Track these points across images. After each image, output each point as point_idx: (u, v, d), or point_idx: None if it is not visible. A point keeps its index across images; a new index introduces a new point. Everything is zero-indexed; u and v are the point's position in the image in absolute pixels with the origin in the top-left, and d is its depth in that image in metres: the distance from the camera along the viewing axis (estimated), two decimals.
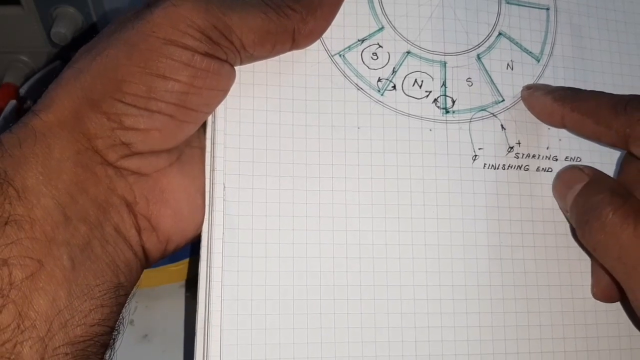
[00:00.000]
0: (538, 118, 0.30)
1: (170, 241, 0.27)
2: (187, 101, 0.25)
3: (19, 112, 0.36)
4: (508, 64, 0.31)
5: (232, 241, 0.27)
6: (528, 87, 0.31)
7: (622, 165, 0.30)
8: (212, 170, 0.28)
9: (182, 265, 0.36)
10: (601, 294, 0.29)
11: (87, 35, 0.38)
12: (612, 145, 0.29)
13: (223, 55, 0.26)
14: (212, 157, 0.28)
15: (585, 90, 0.30)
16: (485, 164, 0.30)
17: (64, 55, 0.40)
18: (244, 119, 0.28)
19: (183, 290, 0.37)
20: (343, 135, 0.29)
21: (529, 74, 0.31)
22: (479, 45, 0.31)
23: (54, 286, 0.22)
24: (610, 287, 0.29)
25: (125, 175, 0.25)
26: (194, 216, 0.27)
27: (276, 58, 0.29)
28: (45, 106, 0.24)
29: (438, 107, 0.30)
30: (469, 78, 0.31)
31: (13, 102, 0.37)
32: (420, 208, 0.29)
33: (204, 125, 0.28)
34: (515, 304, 0.29)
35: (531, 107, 0.30)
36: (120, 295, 0.25)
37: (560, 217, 0.30)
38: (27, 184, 0.22)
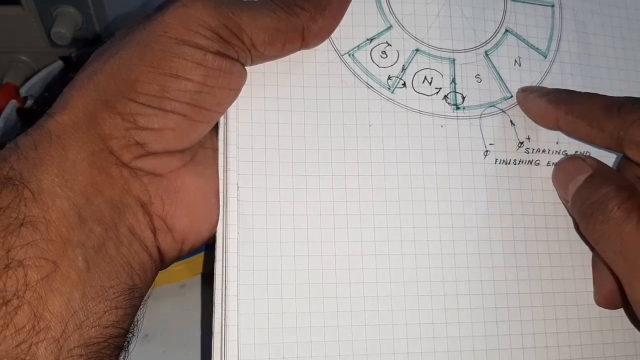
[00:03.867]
0: (533, 120, 0.30)
1: (186, 241, 0.27)
2: (200, 100, 0.25)
3: (19, 112, 0.36)
4: (516, 60, 0.31)
5: (247, 241, 0.27)
6: (523, 90, 0.31)
7: (618, 168, 0.30)
8: (226, 170, 0.28)
9: (183, 265, 0.36)
10: (604, 301, 0.29)
11: (87, 34, 0.38)
12: (607, 147, 0.28)
13: (234, 54, 0.26)
14: (225, 157, 0.28)
15: (580, 93, 0.29)
16: (496, 159, 0.30)
17: (64, 55, 0.39)
18: (256, 120, 0.28)
19: (183, 290, 0.37)
20: (355, 133, 0.29)
21: (536, 70, 0.32)
22: (486, 42, 0.31)
23: (69, 287, 0.22)
24: (613, 293, 0.29)
25: (140, 175, 0.25)
26: (209, 216, 0.27)
27: (286, 59, 0.29)
28: (60, 108, 0.24)
29: (448, 103, 0.30)
30: (477, 75, 0.31)
31: (13, 102, 0.37)
32: (434, 204, 0.29)
33: (217, 126, 0.28)
34: (530, 299, 0.29)
35: (526, 110, 0.30)
36: (135, 297, 0.25)
37: None
38: (43, 185, 0.22)
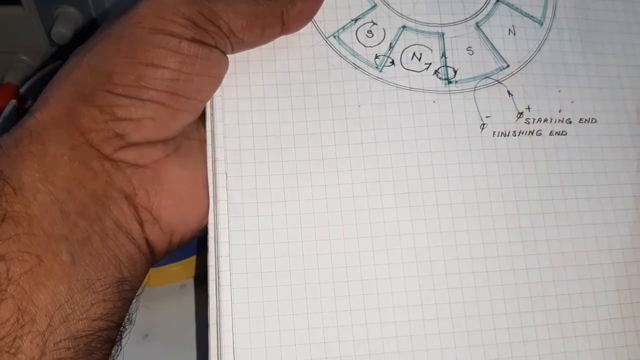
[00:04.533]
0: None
1: (174, 232, 0.27)
2: (178, 88, 0.25)
3: (20, 112, 0.36)
4: (510, 30, 0.30)
5: (238, 229, 0.27)
6: None
7: None
8: (214, 160, 0.27)
9: (182, 265, 0.36)
10: None
11: (87, 34, 0.38)
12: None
13: (211, 40, 0.26)
14: (213, 147, 0.28)
15: None
16: (494, 131, 0.29)
17: (64, 55, 0.39)
18: (242, 108, 0.28)
19: (183, 290, 0.37)
20: (344, 115, 0.28)
21: (532, 38, 0.30)
22: (476, 14, 0.30)
23: (54, 281, 0.22)
24: None
25: (122, 167, 0.25)
26: (197, 207, 0.27)
27: (270, 45, 0.29)
28: (40, 106, 0.24)
29: (440, 78, 0.29)
30: (469, 47, 0.30)
31: (13, 101, 0.37)
32: (430, 181, 0.28)
33: (203, 117, 0.28)
34: (540, 273, 0.28)
35: None
36: (125, 290, 0.24)
37: (581, 180, 0.29)
38: (24, 181, 0.23)
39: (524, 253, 0.28)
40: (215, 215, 0.27)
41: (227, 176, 0.27)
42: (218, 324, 0.26)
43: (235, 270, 0.26)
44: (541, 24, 0.31)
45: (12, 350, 0.21)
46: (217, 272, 0.26)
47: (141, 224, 0.25)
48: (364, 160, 0.28)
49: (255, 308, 0.26)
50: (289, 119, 0.28)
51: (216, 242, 0.27)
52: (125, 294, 0.25)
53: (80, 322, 0.22)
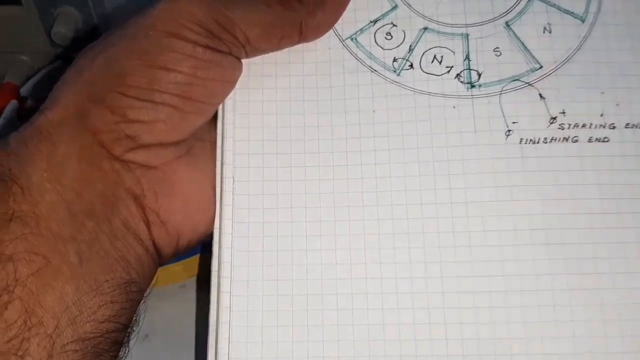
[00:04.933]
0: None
1: (181, 236, 0.27)
2: (191, 92, 0.25)
3: (20, 112, 0.36)
4: (545, 28, 0.28)
5: (241, 235, 0.26)
6: None
7: None
8: (222, 164, 0.27)
9: (183, 265, 0.36)
10: None
11: (88, 35, 0.38)
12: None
13: (225, 48, 0.25)
14: (222, 150, 0.27)
15: None
16: (521, 139, 0.26)
17: (64, 55, 0.39)
18: (253, 111, 0.28)
19: (183, 290, 0.36)
20: (357, 121, 0.27)
21: (572, 35, 0.28)
22: (506, 12, 0.28)
23: (61, 282, 0.22)
24: None
25: (132, 168, 0.25)
26: (206, 211, 0.27)
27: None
28: (51, 105, 0.24)
29: (461, 82, 0.27)
30: (496, 48, 0.28)
31: (14, 101, 0.36)
32: (446, 192, 0.26)
33: (215, 119, 0.28)
34: (567, 296, 0.25)
35: None
36: (132, 292, 0.24)
37: (625, 193, 0.26)
38: (32, 181, 0.23)
39: (551, 272, 0.25)
40: (221, 219, 0.27)
41: (233, 180, 0.27)
42: (216, 331, 0.26)
43: (236, 277, 0.26)
44: (583, 20, 0.28)
45: (20, 353, 0.21)
46: (219, 278, 0.26)
47: (148, 225, 0.25)
48: (375, 168, 0.27)
49: (253, 317, 0.25)
50: (300, 123, 0.27)
51: (220, 247, 0.26)
52: (133, 296, 0.25)
53: (87, 324, 0.22)
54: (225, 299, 0.26)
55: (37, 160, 0.23)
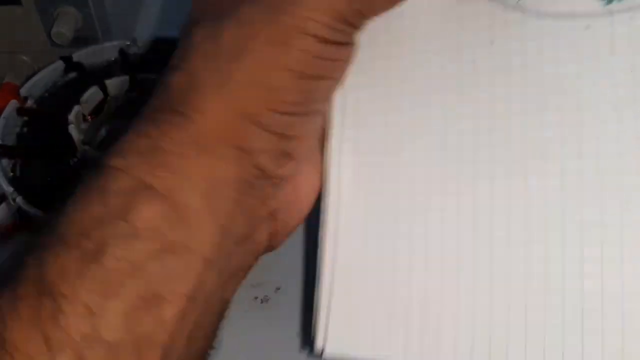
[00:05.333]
0: None
1: (291, 233, 0.26)
2: (332, 93, 0.24)
3: (20, 112, 0.37)
4: None
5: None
6: None
7: None
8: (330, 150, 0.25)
9: None
10: None
11: (88, 35, 0.39)
12: None
13: (351, 39, 0.23)
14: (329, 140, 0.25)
15: None
16: None
17: (64, 55, 0.40)
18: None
19: None
20: (472, 58, 0.23)
21: None
22: None
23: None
24: None
25: (279, 185, 0.24)
26: (311, 202, 0.26)
27: None
28: (196, 110, 0.21)
29: None
30: None
31: (14, 101, 0.37)
32: (578, 128, 0.22)
33: None
34: None
35: None
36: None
37: None
38: (189, 204, 0.21)
39: None
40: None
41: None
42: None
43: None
44: None
45: None
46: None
47: (272, 236, 0.24)
48: (494, 103, 0.23)
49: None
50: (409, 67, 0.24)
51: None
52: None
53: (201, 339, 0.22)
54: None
55: (196, 180, 0.21)
